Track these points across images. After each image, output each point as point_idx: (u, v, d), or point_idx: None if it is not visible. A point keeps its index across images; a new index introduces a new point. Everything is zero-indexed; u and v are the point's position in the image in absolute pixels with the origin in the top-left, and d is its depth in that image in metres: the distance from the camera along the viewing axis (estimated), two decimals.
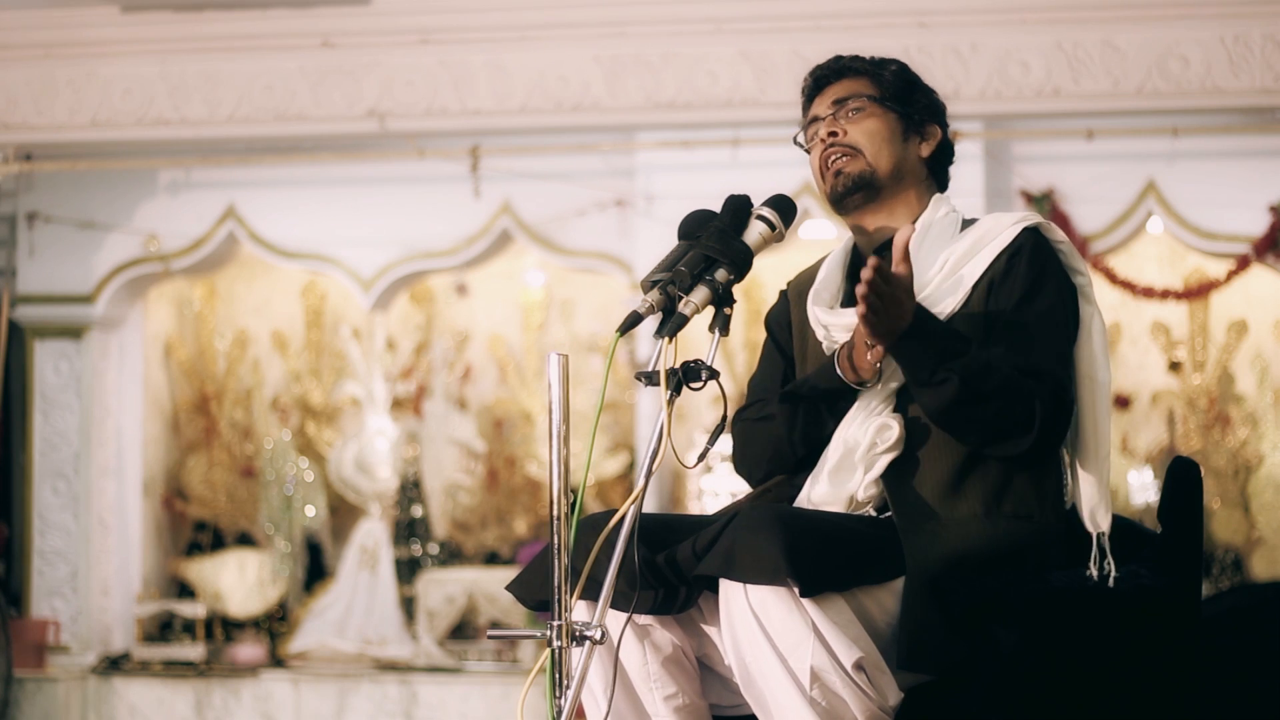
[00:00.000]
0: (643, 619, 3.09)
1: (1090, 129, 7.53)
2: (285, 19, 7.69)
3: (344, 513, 9.11)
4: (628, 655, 3.11)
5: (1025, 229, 3.19)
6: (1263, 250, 7.75)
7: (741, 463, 3.36)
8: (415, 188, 8.41)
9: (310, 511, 8.93)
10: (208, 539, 9.14)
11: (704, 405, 8.37)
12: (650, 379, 2.93)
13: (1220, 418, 8.51)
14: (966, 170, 7.12)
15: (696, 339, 2.98)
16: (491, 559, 9.05)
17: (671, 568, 3.03)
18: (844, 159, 3.25)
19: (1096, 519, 3.14)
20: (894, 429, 3.11)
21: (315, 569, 9.05)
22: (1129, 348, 8.70)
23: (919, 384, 3.05)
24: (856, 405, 3.16)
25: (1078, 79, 7.27)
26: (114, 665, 8.41)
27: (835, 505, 3.14)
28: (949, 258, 3.19)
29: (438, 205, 8.37)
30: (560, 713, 2.79)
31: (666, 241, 3.11)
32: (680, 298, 2.96)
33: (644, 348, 7.98)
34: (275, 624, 8.80)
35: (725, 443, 3.25)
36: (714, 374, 2.93)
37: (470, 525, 9.19)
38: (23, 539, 8.64)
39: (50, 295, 8.59)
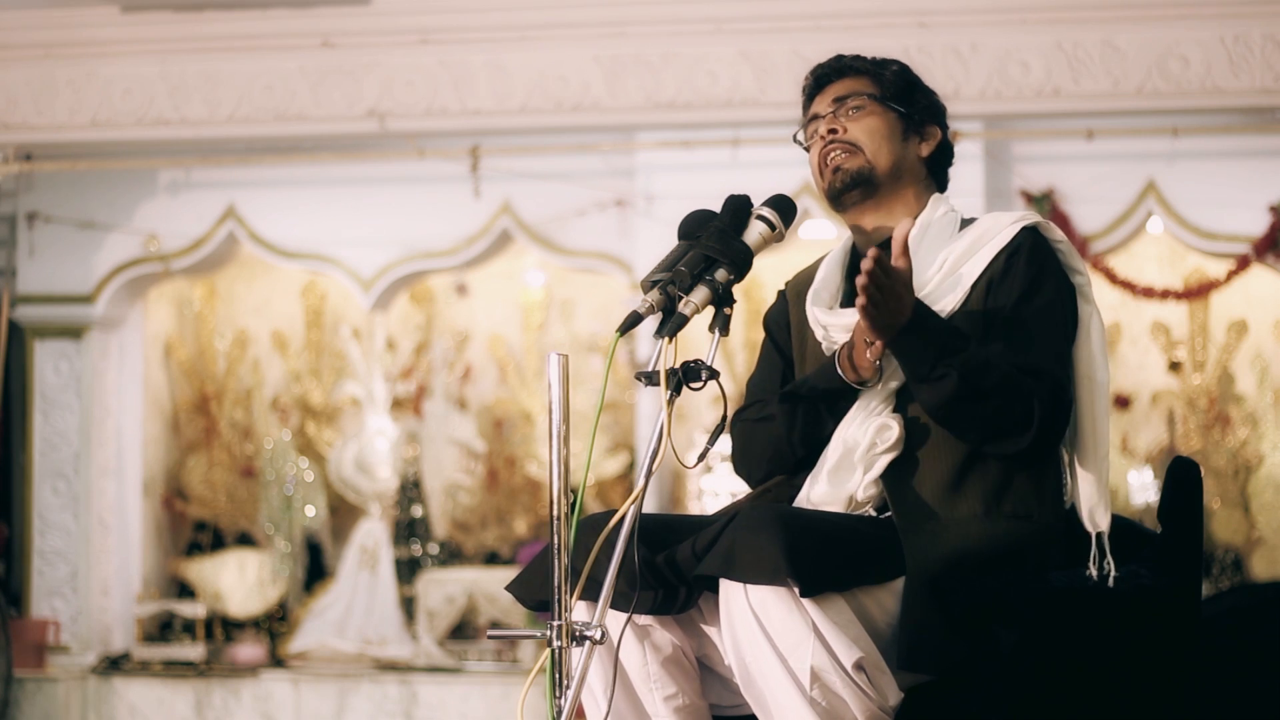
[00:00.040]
0: (642, 619, 3.08)
1: (1090, 129, 7.53)
2: (285, 19, 7.69)
3: (344, 513, 9.11)
4: (628, 655, 3.11)
5: (1024, 228, 3.19)
6: (1263, 250, 7.75)
7: (741, 463, 3.36)
8: (415, 188, 8.41)
9: (310, 511, 8.93)
10: (208, 539, 9.14)
11: (704, 405, 8.37)
12: (650, 379, 2.93)
13: (1220, 418, 8.51)
14: (966, 170, 7.12)
15: (696, 339, 2.98)
16: (491, 559, 9.05)
17: (671, 568, 3.03)
18: (843, 155, 3.25)
19: (1095, 518, 3.14)
20: (894, 429, 3.11)
21: (315, 569, 9.05)
22: (1129, 348, 8.70)
23: (918, 380, 3.05)
24: (856, 405, 3.16)
25: (1078, 79, 7.27)
26: (114, 665, 8.41)
27: (835, 505, 3.14)
28: (948, 257, 3.19)
29: (438, 205, 8.37)
30: (560, 713, 2.79)
31: (666, 241, 3.11)
32: (680, 298, 2.96)
33: (644, 348, 7.98)
34: (275, 624, 8.80)
35: (725, 443, 3.25)
36: (714, 374, 2.93)
37: (470, 525, 9.19)
38: (23, 539, 8.64)
39: (50, 295, 8.59)
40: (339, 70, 7.69)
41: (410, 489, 8.88)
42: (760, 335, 3.48)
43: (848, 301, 3.26)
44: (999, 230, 3.19)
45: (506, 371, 9.19)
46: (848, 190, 3.26)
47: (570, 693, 2.80)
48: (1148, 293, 8.19)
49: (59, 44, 7.81)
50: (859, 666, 2.89)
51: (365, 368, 8.97)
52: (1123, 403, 8.61)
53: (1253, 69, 7.18)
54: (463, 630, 8.59)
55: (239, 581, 8.84)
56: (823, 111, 3.29)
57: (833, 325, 3.22)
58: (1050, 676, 3.03)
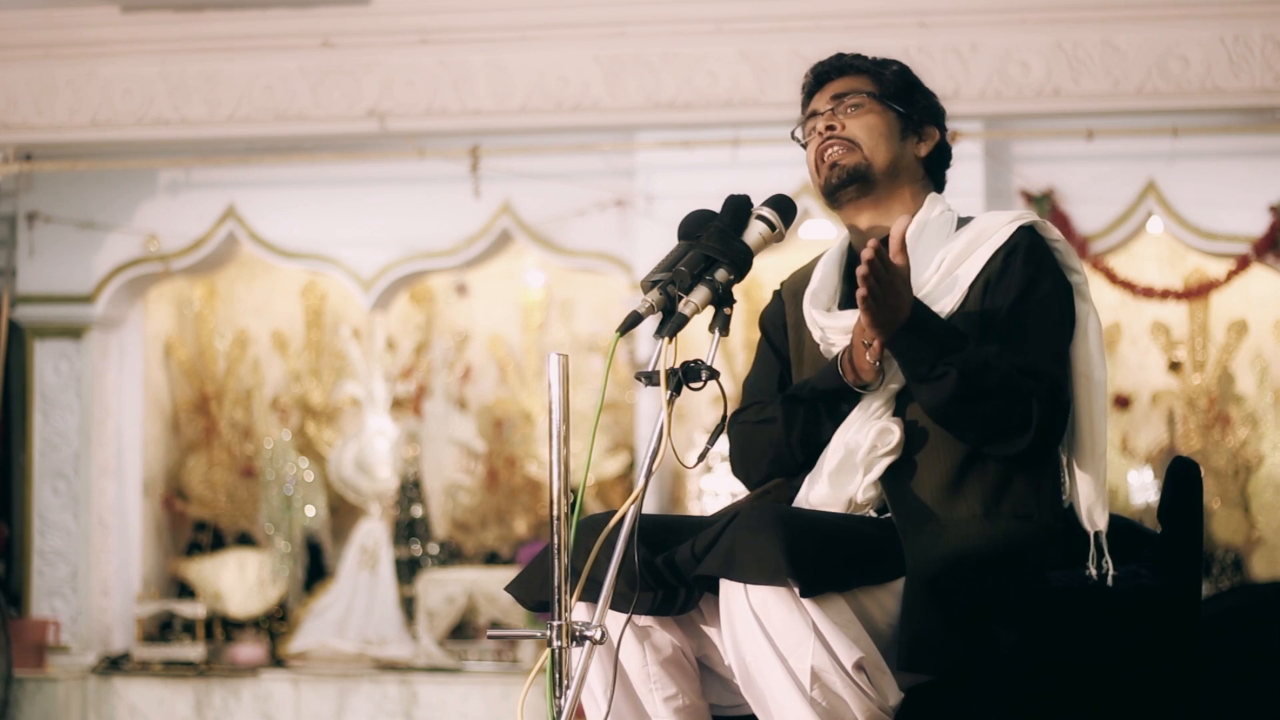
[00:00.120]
0: (642, 620, 3.08)
1: (1090, 129, 7.53)
2: (285, 19, 7.69)
3: (344, 513, 9.11)
4: (627, 656, 3.11)
5: (1020, 227, 3.19)
6: (1263, 250, 7.75)
7: (739, 465, 3.35)
8: (415, 188, 8.41)
9: (310, 511, 8.93)
10: (208, 539, 9.14)
11: (704, 405, 8.37)
12: (650, 379, 2.93)
13: (1220, 418, 8.51)
14: (966, 170, 7.12)
15: (696, 339, 2.98)
16: (491, 559, 9.05)
17: (671, 569, 3.03)
18: (840, 151, 3.25)
19: (1094, 518, 3.14)
20: (895, 433, 3.11)
21: (315, 569, 9.04)
22: (1129, 348, 8.70)
23: (918, 379, 3.05)
24: (857, 408, 3.16)
25: (1078, 79, 7.27)
26: (114, 665, 8.41)
27: (834, 507, 3.14)
28: (945, 257, 3.18)
29: (438, 205, 8.37)
30: (560, 713, 2.79)
31: (666, 241, 3.11)
32: (680, 298, 2.96)
33: (644, 348, 7.98)
34: (275, 624, 8.80)
35: (725, 443, 3.25)
36: (714, 374, 2.93)
37: (470, 525, 9.19)
38: (23, 539, 8.64)
39: (50, 295, 8.59)
40: (339, 70, 7.69)
41: (410, 489, 8.88)
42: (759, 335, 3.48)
43: (846, 303, 3.26)
44: (995, 230, 3.19)
45: (506, 371, 9.19)
46: (844, 186, 3.25)
47: (570, 693, 2.80)
48: (1148, 293, 8.19)
49: (59, 44, 7.81)
50: (859, 667, 2.89)
51: (365, 368, 8.97)
52: (1123, 403, 8.61)
53: (1253, 69, 7.18)
54: (463, 630, 8.59)
55: (239, 581, 8.84)
56: (821, 108, 3.29)
57: (831, 328, 3.21)
58: (1050, 676, 3.02)
